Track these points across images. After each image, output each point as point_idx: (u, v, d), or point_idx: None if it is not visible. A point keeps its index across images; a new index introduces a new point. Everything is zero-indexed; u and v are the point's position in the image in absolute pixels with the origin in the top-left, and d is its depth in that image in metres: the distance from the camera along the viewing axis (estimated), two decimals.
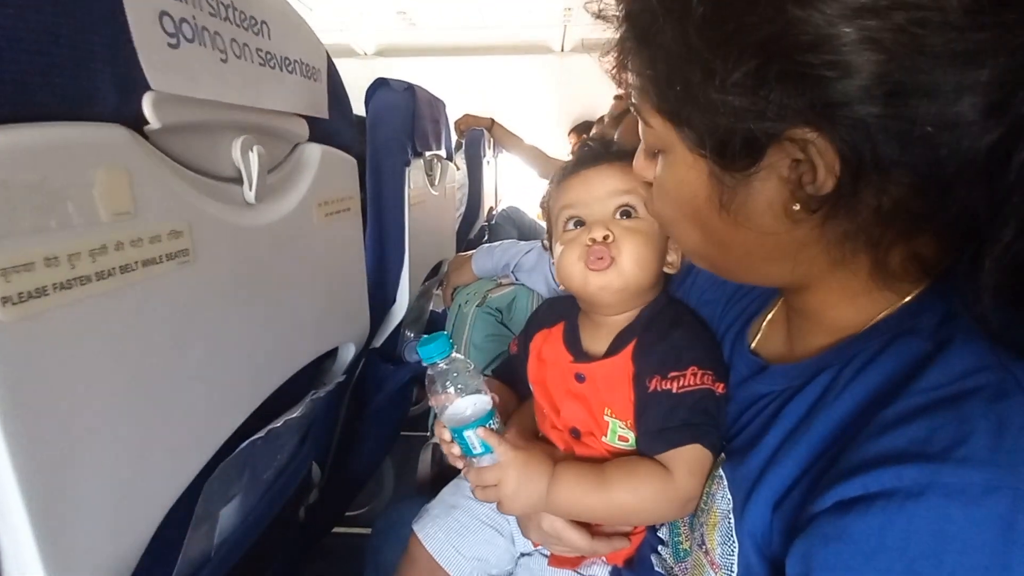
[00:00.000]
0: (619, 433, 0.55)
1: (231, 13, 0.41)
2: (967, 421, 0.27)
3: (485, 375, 0.61)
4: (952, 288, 0.33)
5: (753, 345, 0.49)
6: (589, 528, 0.55)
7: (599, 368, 0.56)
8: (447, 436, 0.54)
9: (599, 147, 0.59)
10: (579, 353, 0.58)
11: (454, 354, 0.51)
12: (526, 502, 0.50)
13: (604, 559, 0.60)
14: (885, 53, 0.27)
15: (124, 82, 0.32)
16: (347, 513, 1.22)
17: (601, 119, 2.23)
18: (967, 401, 0.28)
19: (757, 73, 0.29)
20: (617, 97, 2.01)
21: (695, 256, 0.44)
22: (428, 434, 1.08)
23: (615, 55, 0.40)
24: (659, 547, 0.54)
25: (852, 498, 0.28)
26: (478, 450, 0.50)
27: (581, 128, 2.18)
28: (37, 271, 0.26)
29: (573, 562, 0.59)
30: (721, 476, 0.44)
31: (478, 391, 0.51)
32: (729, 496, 0.42)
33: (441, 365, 0.51)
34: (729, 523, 0.41)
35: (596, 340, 0.58)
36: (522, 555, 0.65)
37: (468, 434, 0.50)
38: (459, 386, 0.51)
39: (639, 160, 0.45)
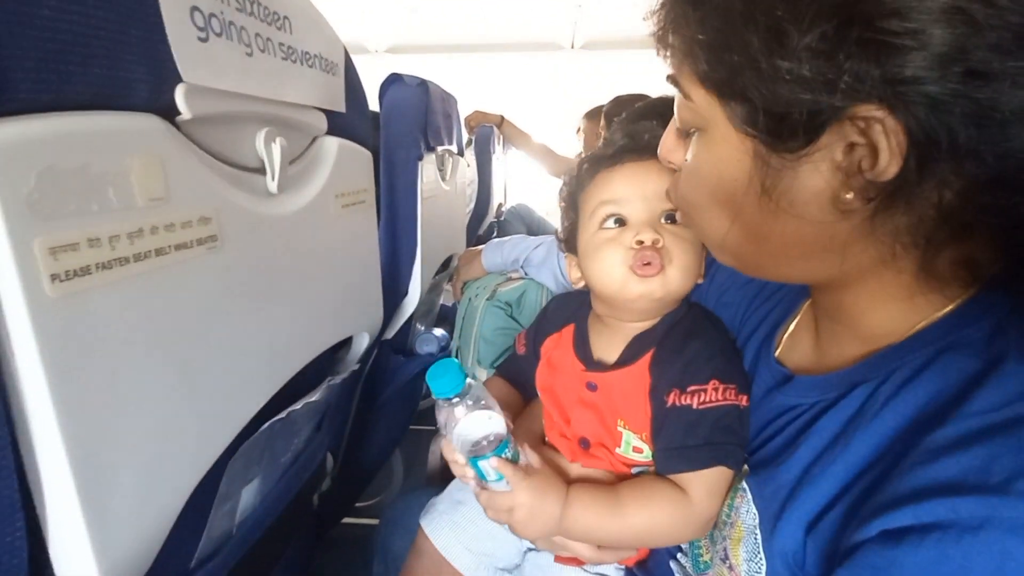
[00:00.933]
0: (633, 444, 0.52)
1: (256, 8, 0.42)
2: None
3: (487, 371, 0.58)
4: (1001, 298, 0.32)
5: (778, 353, 0.47)
6: None
7: (613, 378, 0.53)
8: (458, 458, 0.51)
9: (648, 139, 0.52)
10: (590, 361, 0.56)
11: (468, 382, 0.48)
12: (540, 529, 0.49)
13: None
14: (972, 26, 0.25)
15: (158, 74, 0.34)
16: (357, 504, 1.24)
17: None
18: (1023, 427, 0.26)
19: (835, 37, 0.26)
20: (587, 115, 2.00)
21: (722, 250, 0.40)
22: (436, 427, 1.09)
23: (660, 18, 0.36)
24: (678, 554, 0.53)
25: (902, 528, 0.27)
26: (493, 477, 0.49)
27: (595, 113, 2.15)
28: (82, 251, 0.28)
29: (580, 560, 0.58)
30: (745, 489, 0.42)
31: (491, 417, 0.48)
32: (755, 511, 0.40)
33: (455, 399, 0.48)
34: (756, 539, 0.39)
35: (608, 346, 0.55)
36: (529, 550, 0.65)
37: (484, 464, 0.48)
38: (471, 412, 0.48)
39: (668, 141, 0.42)
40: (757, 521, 0.39)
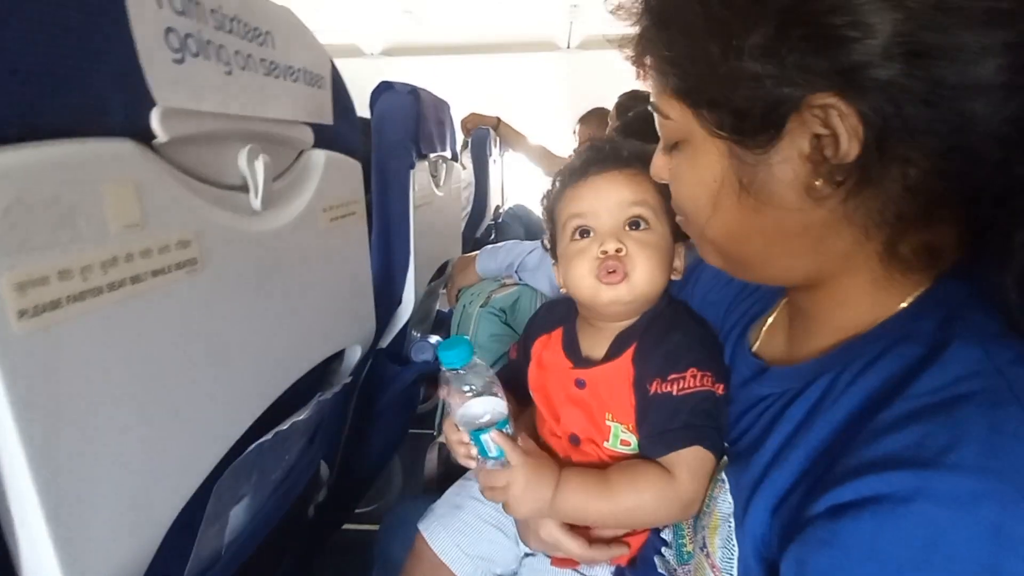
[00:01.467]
0: (621, 437, 0.55)
1: (236, 25, 0.42)
2: (958, 427, 0.27)
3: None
4: (956, 289, 0.34)
5: (755, 347, 0.49)
6: (587, 536, 0.55)
7: (599, 373, 0.56)
8: (458, 437, 0.55)
9: (608, 150, 0.56)
10: (579, 359, 0.59)
11: (475, 359, 0.52)
12: (532, 506, 0.51)
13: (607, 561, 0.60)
14: (905, 11, 0.27)
15: (132, 97, 0.33)
16: (356, 510, 1.24)
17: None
18: (959, 407, 0.28)
19: (777, 36, 0.29)
20: (581, 120, 2.00)
21: (714, 252, 0.43)
22: (435, 433, 1.09)
23: (635, 47, 0.40)
24: (662, 548, 0.54)
25: (845, 503, 0.28)
26: (493, 453, 0.51)
27: (589, 117, 2.15)
28: (51, 284, 0.27)
29: (575, 562, 0.60)
30: (723, 480, 0.44)
31: (494, 394, 0.52)
32: (730, 500, 0.42)
33: (460, 371, 0.51)
34: (729, 526, 0.41)
35: (595, 344, 0.59)
36: (526, 555, 0.66)
37: (485, 438, 0.51)
38: (475, 388, 0.51)
39: (657, 161, 0.45)
40: (732, 510, 0.41)
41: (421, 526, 0.70)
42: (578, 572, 0.60)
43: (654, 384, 0.52)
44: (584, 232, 0.55)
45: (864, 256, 0.35)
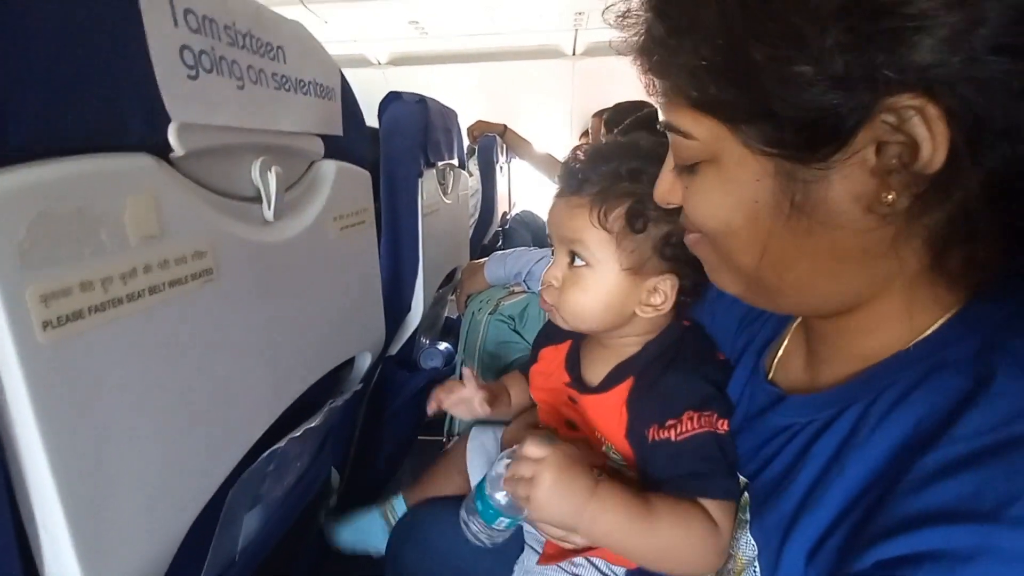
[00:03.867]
0: (610, 454, 0.55)
1: (249, 41, 0.43)
2: (1019, 475, 0.24)
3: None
4: (990, 311, 0.31)
5: (771, 375, 0.46)
6: None
7: (590, 401, 0.56)
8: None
9: (568, 172, 0.54)
10: (576, 378, 0.58)
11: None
12: (559, 510, 0.44)
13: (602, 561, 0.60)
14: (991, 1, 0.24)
15: (150, 113, 0.34)
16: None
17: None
18: (1017, 450, 0.25)
19: (860, 30, 0.25)
20: (596, 115, 1.98)
21: (737, 279, 0.38)
22: (443, 439, 1.09)
23: (642, 59, 0.35)
24: None
25: (895, 558, 0.26)
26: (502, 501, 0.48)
27: (604, 112, 2.12)
28: (74, 295, 0.28)
29: (562, 557, 0.59)
30: (747, 521, 0.41)
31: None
32: (753, 543, 0.40)
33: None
34: (755, 571, 0.38)
35: (595, 367, 0.58)
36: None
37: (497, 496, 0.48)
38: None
39: (663, 184, 0.40)
40: (756, 553, 0.39)
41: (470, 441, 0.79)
42: (560, 567, 0.59)
43: (651, 431, 0.49)
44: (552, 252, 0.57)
45: (908, 276, 0.32)
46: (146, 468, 0.34)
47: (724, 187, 0.33)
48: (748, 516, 0.41)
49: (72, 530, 0.28)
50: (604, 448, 0.55)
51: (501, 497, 0.48)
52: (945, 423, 0.28)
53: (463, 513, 0.52)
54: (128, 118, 0.33)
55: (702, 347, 0.56)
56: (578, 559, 0.59)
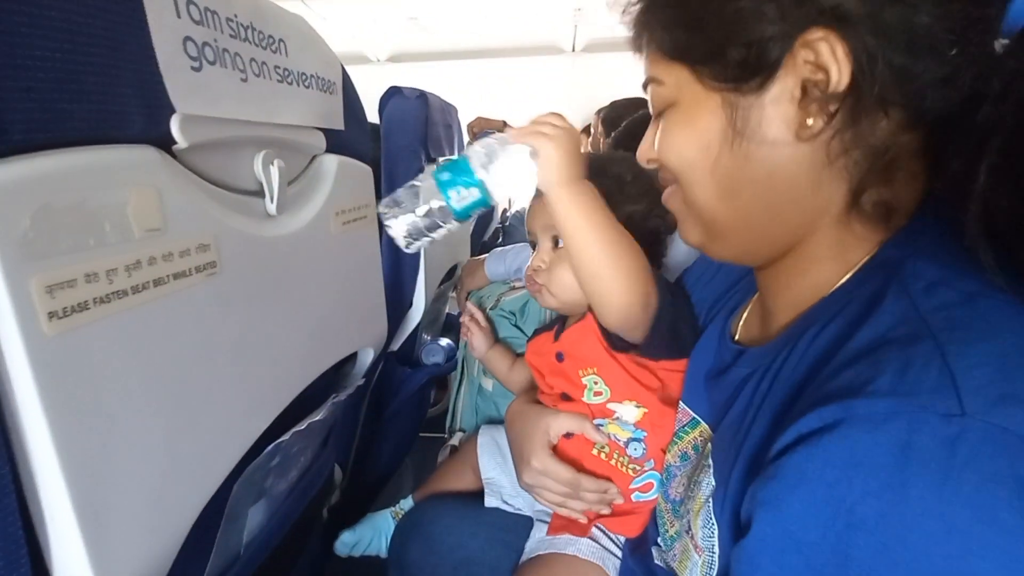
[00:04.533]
0: (594, 389, 0.63)
1: (251, 34, 0.43)
2: (880, 363, 0.29)
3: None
4: (895, 252, 0.36)
5: (736, 336, 0.52)
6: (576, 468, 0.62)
7: (568, 337, 0.65)
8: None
9: None
10: (558, 335, 0.68)
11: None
12: (556, 169, 0.51)
13: (603, 532, 0.65)
14: None
15: (153, 105, 0.34)
16: (368, 513, 1.25)
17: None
18: (884, 349, 0.30)
19: None
20: (598, 113, 2.00)
21: (696, 222, 0.44)
22: (446, 435, 1.10)
23: (635, 27, 0.43)
24: (658, 539, 0.56)
25: (786, 445, 0.31)
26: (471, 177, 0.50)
27: (606, 111, 2.12)
28: (79, 287, 0.28)
29: (572, 528, 0.64)
30: (709, 464, 0.45)
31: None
32: (713, 482, 0.43)
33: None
34: (710, 507, 0.42)
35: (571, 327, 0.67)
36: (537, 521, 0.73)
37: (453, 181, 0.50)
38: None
39: (646, 142, 0.46)
40: (713, 491, 0.43)
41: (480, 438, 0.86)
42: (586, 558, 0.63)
43: None
44: (533, 246, 0.68)
45: (832, 216, 0.38)
46: (152, 460, 0.34)
47: (684, 125, 0.40)
48: (710, 460, 0.45)
49: (80, 521, 0.28)
50: (585, 388, 0.63)
51: (484, 161, 0.50)
52: (841, 341, 0.34)
53: (399, 195, 0.52)
54: (130, 110, 0.33)
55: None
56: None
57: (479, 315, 0.90)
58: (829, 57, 0.33)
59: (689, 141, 0.40)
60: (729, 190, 0.40)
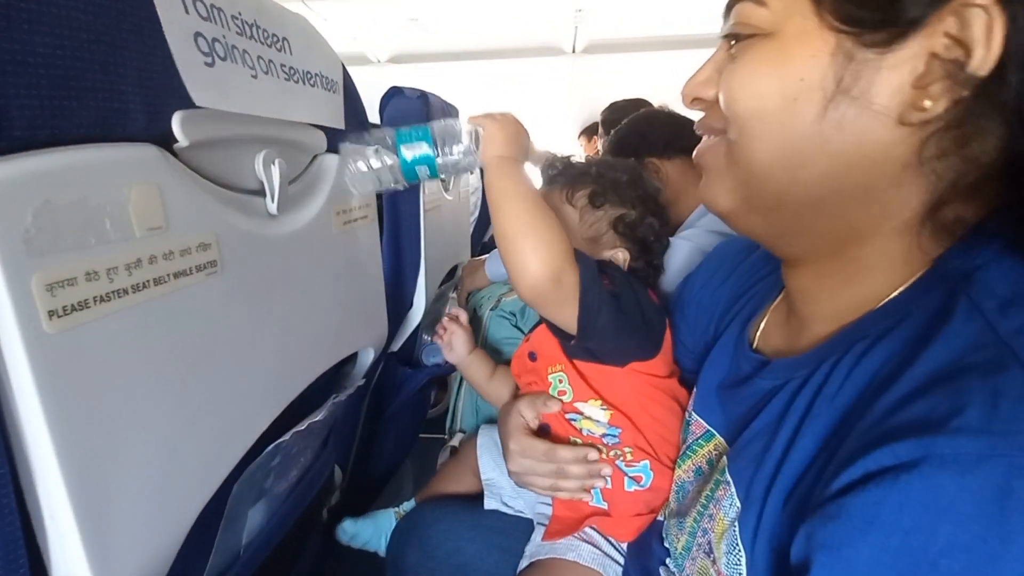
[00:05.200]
0: (559, 388, 0.64)
1: (256, 31, 0.43)
2: (962, 394, 0.26)
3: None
4: (959, 265, 0.32)
5: (755, 344, 0.49)
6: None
7: (535, 338, 0.68)
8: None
9: (549, 173, 0.71)
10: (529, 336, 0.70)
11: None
12: (500, 140, 0.56)
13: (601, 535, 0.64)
14: None
15: (154, 103, 0.34)
16: (373, 510, 1.24)
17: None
18: (962, 377, 0.27)
19: None
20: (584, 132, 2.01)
21: (737, 185, 0.38)
22: (445, 436, 1.09)
23: None
24: (666, 559, 0.54)
25: (850, 482, 0.28)
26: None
27: (591, 130, 2.16)
28: (79, 285, 0.28)
29: (566, 531, 0.64)
30: (728, 481, 0.43)
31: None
32: (738, 504, 0.40)
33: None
34: (735, 531, 0.39)
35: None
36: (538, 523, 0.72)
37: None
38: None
39: (701, 74, 0.40)
40: (739, 512, 0.40)
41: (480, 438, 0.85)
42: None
43: None
44: None
45: (900, 221, 0.33)
46: (152, 461, 0.33)
47: (774, 62, 0.33)
48: (729, 477, 0.43)
49: (79, 521, 0.27)
50: (551, 385, 0.64)
51: (440, 127, 0.56)
52: (903, 364, 0.30)
53: (363, 141, 0.56)
54: (131, 108, 0.33)
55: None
56: (583, 531, 0.64)
57: (463, 316, 0.87)
58: (981, 33, 0.27)
59: (774, 84, 0.33)
60: (798, 157, 0.33)
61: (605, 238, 0.67)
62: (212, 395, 0.39)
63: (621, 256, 0.66)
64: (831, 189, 0.34)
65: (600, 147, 2.00)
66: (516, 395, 0.75)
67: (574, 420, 0.63)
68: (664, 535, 0.55)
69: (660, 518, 0.60)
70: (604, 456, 0.62)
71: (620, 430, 0.62)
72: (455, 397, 1.07)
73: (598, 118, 2.30)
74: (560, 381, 0.64)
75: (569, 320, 0.55)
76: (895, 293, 0.35)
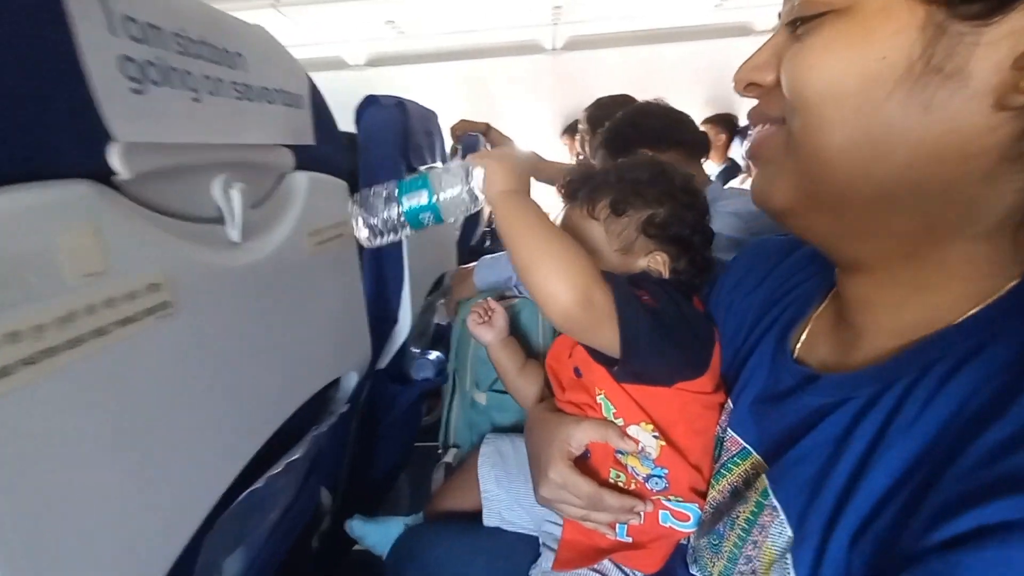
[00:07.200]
0: (612, 411, 0.57)
1: (203, 49, 0.39)
2: None
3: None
4: None
5: (796, 354, 0.44)
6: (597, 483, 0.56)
7: (581, 348, 0.60)
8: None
9: (572, 186, 0.65)
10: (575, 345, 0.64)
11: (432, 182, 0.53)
12: (499, 177, 0.52)
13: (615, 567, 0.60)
14: None
15: (87, 134, 0.31)
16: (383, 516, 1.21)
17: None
18: None
19: None
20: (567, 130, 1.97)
21: (799, 188, 0.34)
22: (439, 447, 1.06)
23: None
24: (692, 567, 0.50)
25: (964, 533, 0.25)
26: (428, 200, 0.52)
27: (575, 128, 2.13)
28: None
29: (578, 561, 0.59)
30: (775, 508, 0.39)
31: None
32: (790, 532, 0.37)
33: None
34: (788, 562, 0.36)
35: None
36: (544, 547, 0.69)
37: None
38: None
39: (760, 56, 0.36)
40: (790, 542, 0.36)
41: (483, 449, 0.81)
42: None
43: None
44: None
45: (983, 227, 0.30)
46: (103, 531, 0.30)
47: (852, 40, 0.30)
48: (775, 502, 0.39)
49: None
50: (602, 407, 0.58)
51: (439, 172, 0.53)
52: (1008, 394, 0.27)
53: (369, 198, 0.53)
54: (60, 141, 0.29)
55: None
56: (598, 564, 0.59)
57: (499, 307, 0.80)
58: None
59: (851, 64, 0.29)
60: (874, 147, 0.30)
61: (637, 245, 0.60)
62: (171, 451, 0.35)
63: (660, 259, 0.60)
64: (910, 183, 0.30)
65: (581, 145, 1.97)
66: (554, 400, 0.68)
67: (620, 455, 0.57)
68: (693, 559, 0.51)
69: (683, 541, 0.57)
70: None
71: (667, 471, 0.56)
72: (447, 410, 1.04)
73: (581, 115, 2.27)
74: (608, 403, 0.58)
75: (611, 343, 0.51)
76: (977, 308, 0.31)
